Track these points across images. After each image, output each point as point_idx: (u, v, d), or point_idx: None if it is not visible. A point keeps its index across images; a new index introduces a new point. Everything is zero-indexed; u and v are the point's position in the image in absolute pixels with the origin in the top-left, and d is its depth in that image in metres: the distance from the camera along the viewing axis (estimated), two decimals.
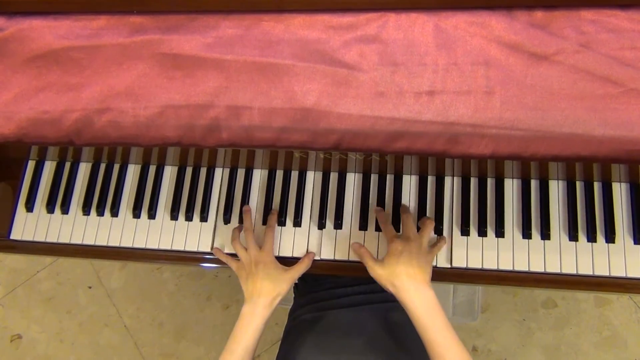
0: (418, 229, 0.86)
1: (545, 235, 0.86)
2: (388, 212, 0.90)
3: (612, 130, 0.62)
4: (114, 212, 0.96)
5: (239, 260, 0.88)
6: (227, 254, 0.91)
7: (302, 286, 1.05)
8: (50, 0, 0.71)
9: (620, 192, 0.87)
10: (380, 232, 0.89)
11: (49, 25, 0.73)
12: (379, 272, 0.80)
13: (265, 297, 0.82)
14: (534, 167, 0.84)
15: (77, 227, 0.96)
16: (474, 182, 0.90)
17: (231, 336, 0.80)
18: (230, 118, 0.69)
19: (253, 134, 0.69)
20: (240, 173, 0.96)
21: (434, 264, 0.86)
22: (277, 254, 0.90)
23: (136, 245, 0.94)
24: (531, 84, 0.64)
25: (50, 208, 0.97)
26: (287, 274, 0.85)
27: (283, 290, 0.84)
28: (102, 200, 0.96)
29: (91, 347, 1.74)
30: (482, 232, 0.87)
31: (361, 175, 0.93)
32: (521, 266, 0.85)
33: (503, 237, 0.87)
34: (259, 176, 0.95)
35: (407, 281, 0.76)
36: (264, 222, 0.92)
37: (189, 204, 0.94)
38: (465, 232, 0.88)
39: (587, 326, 1.60)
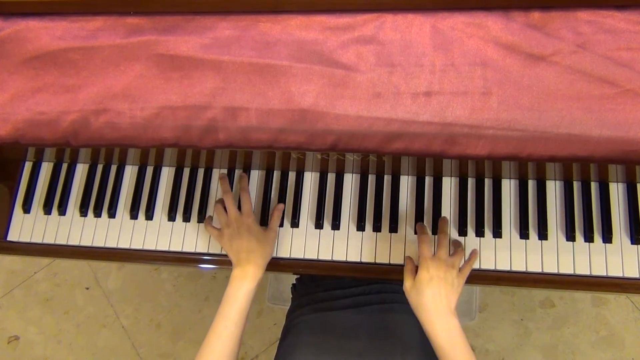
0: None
1: (543, 235, 0.86)
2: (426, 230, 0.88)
3: (609, 131, 0.63)
4: (112, 213, 0.95)
5: (219, 228, 0.89)
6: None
7: (300, 287, 1.05)
8: (46, 1, 0.71)
9: (617, 192, 0.87)
10: (378, 233, 0.89)
11: (45, 27, 0.73)
12: (409, 289, 0.78)
13: (255, 256, 0.83)
14: (531, 168, 0.85)
15: (74, 228, 0.96)
16: (471, 183, 0.90)
17: (223, 301, 0.79)
18: (227, 119, 0.68)
19: (250, 135, 0.69)
20: (238, 174, 0.95)
21: None
22: (274, 255, 0.90)
23: (133, 247, 0.94)
24: (528, 84, 0.64)
25: (47, 209, 0.97)
26: (268, 234, 0.87)
27: (268, 252, 0.86)
28: (99, 201, 0.96)
29: (89, 348, 1.74)
30: (479, 233, 0.87)
31: (359, 175, 0.93)
32: (519, 266, 0.85)
33: (500, 237, 0.87)
34: (256, 177, 0.95)
35: (433, 309, 0.74)
36: (262, 223, 0.92)
37: (186, 205, 0.94)
38: (462, 232, 0.88)
39: (585, 325, 1.61)
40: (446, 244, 0.83)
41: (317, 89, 0.67)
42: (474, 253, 0.85)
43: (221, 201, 0.91)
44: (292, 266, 0.91)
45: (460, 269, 0.81)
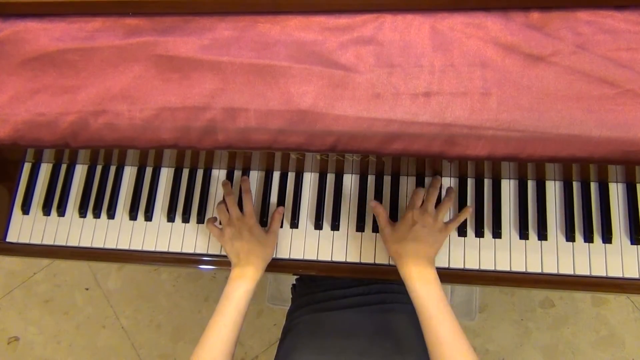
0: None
1: (543, 235, 0.86)
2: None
3: (609, 131, 0.62)
4: (111, 214, 0.95)
5: (220, 228, 0.89)
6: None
7: (300, 287, 1.05)
8: (45, 2, 0.71)
9: (617, 193, 0.87)
10: (377, 234, 0.89)
11: (44, 28, 0.73)
12: (388, 236, 0.82)
13: (254, 258, 0.83)
14: (530, 168, 0.84)
15: (73, 229, 0.96)
16: (470, 183, 0.90)
17: (222, 299, 0.79)
18: (227, 120, 0.68)
19: (249, 136, 0.69)
20: (238, 175, 0.95)
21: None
22: (274, 256, 0.90)
23: (133, 247, 0.94)
24: (527, 85, 0.64)
25: (46, 210, 0.97)
26: (269, 236, 0.88)
27: (269, 254, 0.87)
28: (98, 202, 0.96)
29: (89, 349, 1.74)
30: (479, 233, 0.87)
31: (358, 176, 0.92)
32: (518, 267, 0.85)
33: (500, 237, 0.87)
34: (256, 177, 0.95)
35: (411, 254, 0.76)
36: (261, 224, 0.92)
37: (185, 206, 0.94)
38: (462, 232, 0.88)
39: (585, 325, 1.61)
40: (434, 198, 0.85)
41: (317, 89, 0.67)
42: (465, 209, 0.87)
43: (224, 202, 0.91)
44: (292, 267, 0.91)
45: (446, 224, 0.83)
